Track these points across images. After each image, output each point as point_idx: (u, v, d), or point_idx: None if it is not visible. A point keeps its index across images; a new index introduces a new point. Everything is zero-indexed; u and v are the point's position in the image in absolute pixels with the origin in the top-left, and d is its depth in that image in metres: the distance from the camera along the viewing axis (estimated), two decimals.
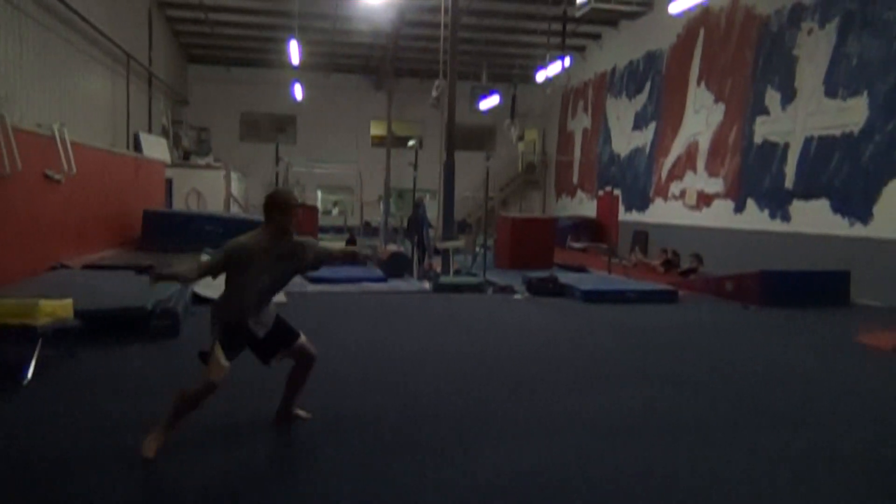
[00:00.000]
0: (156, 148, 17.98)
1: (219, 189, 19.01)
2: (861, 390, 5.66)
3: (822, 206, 12.68)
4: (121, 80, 16.42)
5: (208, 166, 20.49)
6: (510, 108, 23.27)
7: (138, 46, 17.69)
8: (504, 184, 27.85)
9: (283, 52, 21.17)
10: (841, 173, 12.27)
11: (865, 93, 11.76)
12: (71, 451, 3.85)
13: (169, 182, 17.60)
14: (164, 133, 21.06)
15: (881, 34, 11.47)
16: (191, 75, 26.50)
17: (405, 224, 15.66)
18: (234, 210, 19.63)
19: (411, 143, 27.34)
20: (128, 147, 16.47)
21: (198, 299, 8.89)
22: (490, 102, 23.87)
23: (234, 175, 21.14)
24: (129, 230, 13.09)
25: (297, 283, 11.68)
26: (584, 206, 23.21)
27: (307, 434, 4.22)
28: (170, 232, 12.66)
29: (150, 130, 18.94)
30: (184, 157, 21.92)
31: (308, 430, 4.27)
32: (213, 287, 9.28)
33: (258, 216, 17.35)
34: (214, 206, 18.27)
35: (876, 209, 11.52)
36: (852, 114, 12.01)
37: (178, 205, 17.70)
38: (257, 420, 4.35)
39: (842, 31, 12.32)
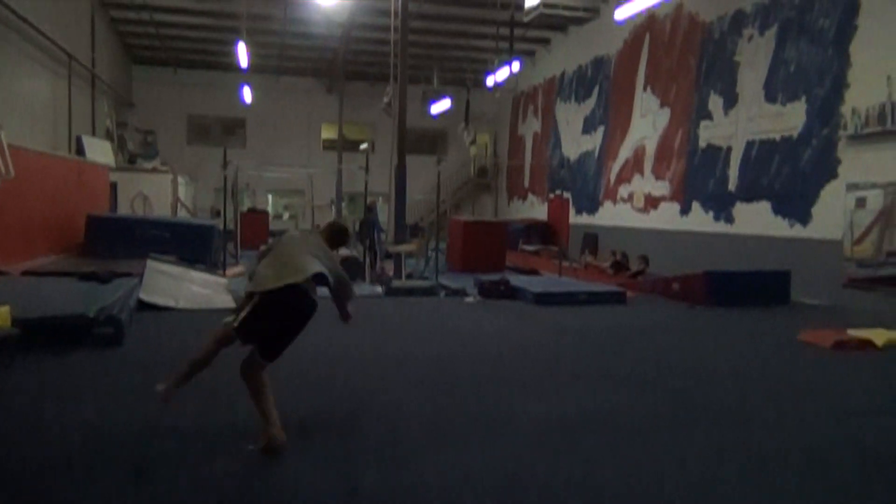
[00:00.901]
0: (100, 151, 17.52)
1: (166, 193, 18.64)
2: (803, 387, 5.84)
3: (763, 208, 13.06)
4: (62, 81, 15.97)
5: (154, 170, 20.06)
6: (465, 112, 23.39)
7: (80, 47, 17.24)
8: (456, 187, 27.94)
9: (232, 54, 20.87)
10: (781, 176, 12.66)
11: (803, 98, 12.17)
12: (7, 462, 3.72)
13: (114, 186, 17.18)
14: (109, 136, 20.55)
15: (817, 41, 11.89)
16: (136, 77, 25.92)
17: (357, 228, 15.61)
18: (182, 214, 19.27)
19: (363, 146, 27.21)
20: (70, 150, 16.02)
21: (143, 306, 8.72)
22: (441, 106, 23.94)
23: (181, 179, 20.75)
24: (72, 236, 12.72)
25: (242, 288, 11.53)
26: (536, 210, 23.45)
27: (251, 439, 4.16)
28: (115, 237, 12.35)
29: (93, 133, 18.46)
30: (129, 161, 21.41)
31: (239, 434, 4.21)
32: (159, 293, 9.12)
33: (207, 221, 16.98)
34: (161, 210, 17.90)
35: (814, 211, 11.93)
36: (791, 118, 12.41)
37: (124, 209, 17.29)
38: (198, 430, 4.27)
39: (780, 38, 12.72)
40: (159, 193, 18.30)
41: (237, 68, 21.97)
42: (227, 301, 9.70)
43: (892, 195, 10.48)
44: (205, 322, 8.32)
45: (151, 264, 9.83)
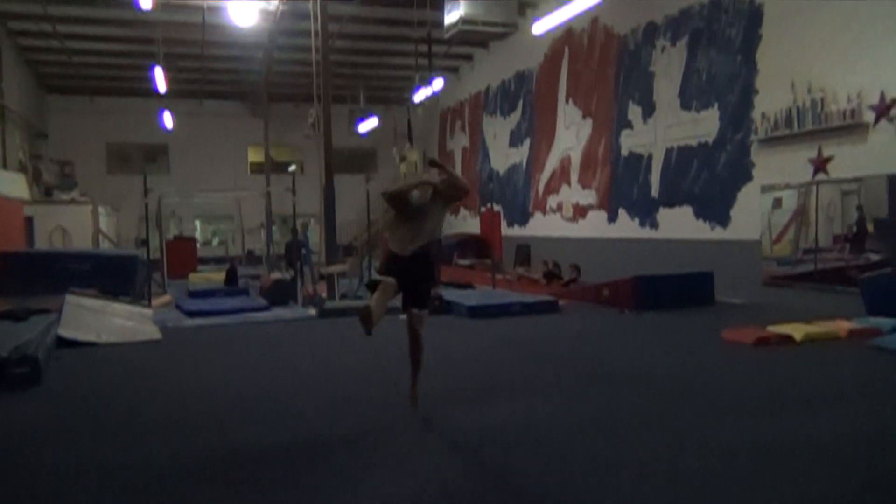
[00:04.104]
0: (12, 185, 16.79)
1: (86, 225, 18.02)
2: (726, 384, 6.02)
3: (685, 212, 13.47)
4: None
5: (73, 201, 19.38)
6: (407, 131, 23.27)
7: None
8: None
9: (150, 80, 20.38)
10: (700, 181, 13.10)
11: (716, 105, 12.64)
12: None
13: (29, 220, 16.50)
14: (22, 168, 19.74)
15: (726, 50, 12.39)
16: (50, 107, 25.00)
17: (284, 251, 15.42)
18: (105, 246, 18.65)
19: (291, 168, 26.94)
20: None
21: (64, 342, 8.36)
22: (369, 125, 23.90)
23: (102, 209, 20.10)
24: None
25: (174, 317, 11.20)
26: (469, 224, 23.58)
27: (180, 471, 4.03)
28: (31, 273, 11.83)
29: (4, 166, 17.71)
30: (45, 193, 20.62)
31: (182, 468, 4.08)
32: (80, 328, 8.77)
33: (129, 251, 16.42)
34: (82, 242, 17.29)
35: (733, 213, 12.36)
36: (706, 125, 12.86)
37: (42, 244, 16.62)
38: (122, 467, 4.11)
39: (691, 48, 13.20)
40: (79, 225, 17.68)
41: (157, 94, 21.47)
42: (152, 332, 9.42)
43: (804, 195, 10.97)
44: (129, 355, 8.06)
45: (71, 299, 9.46)
